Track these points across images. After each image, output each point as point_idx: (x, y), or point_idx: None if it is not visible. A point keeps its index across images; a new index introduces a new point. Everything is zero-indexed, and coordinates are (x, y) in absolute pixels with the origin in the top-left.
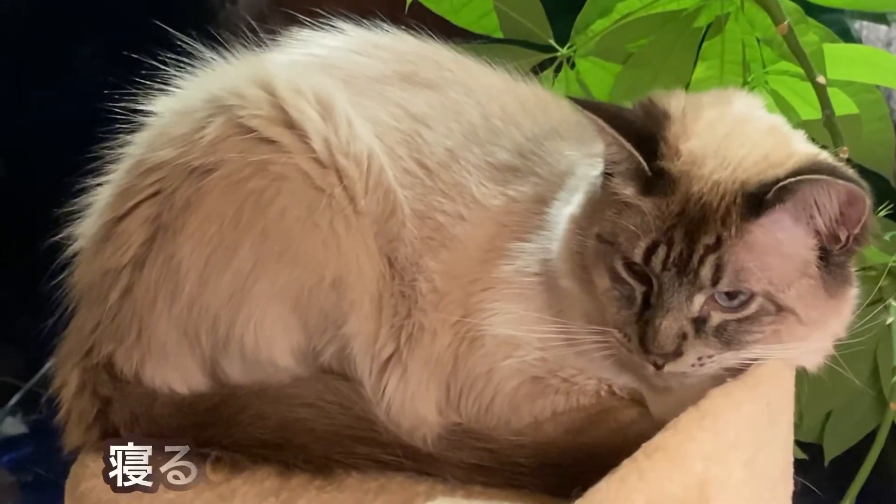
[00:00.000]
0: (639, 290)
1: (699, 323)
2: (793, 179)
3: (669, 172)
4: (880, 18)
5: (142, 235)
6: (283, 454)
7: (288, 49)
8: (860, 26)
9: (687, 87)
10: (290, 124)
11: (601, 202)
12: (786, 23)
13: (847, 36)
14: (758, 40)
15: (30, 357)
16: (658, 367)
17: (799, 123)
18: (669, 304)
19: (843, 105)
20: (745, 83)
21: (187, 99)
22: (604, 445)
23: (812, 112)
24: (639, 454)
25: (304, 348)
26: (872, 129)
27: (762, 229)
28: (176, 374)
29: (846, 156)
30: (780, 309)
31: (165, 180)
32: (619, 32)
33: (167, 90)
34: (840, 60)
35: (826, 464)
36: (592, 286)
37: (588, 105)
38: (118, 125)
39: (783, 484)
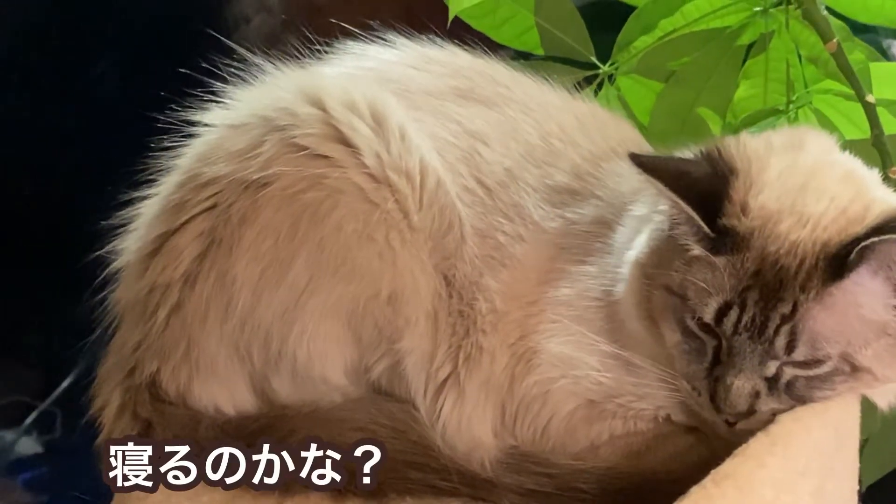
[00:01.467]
0: (710, 344)
1: (772, 381)
2: (875, 239)
3: (736, 231)
4: None
5: (195, 250)
6: None
7: (339, 61)
8: (887, 45)
9: (728, 106)
10: (343, 140)
11: (668, 250)
12: (835, 40)
13: (884, 56)
14: (799, 59)
15: (45, 376)
16: (731, 425)
17: (844, 143)
18: (742, 365)
19: (887, 124)
20: (788, 102)
21: (240, 113)
22: (663, 472)
23: (856, 132)
24: (707, 481)
25: (357, 365)
26: None
27: (842, 292)
28: (224, 392)
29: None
30: (855, 369)
31: (221, 195)
32: (661, 50)
33: (216, 102)
34: (885, 79)
35: (863, 490)
36: (660, 334)
37: (648, 165)
38: (157, 138)
39: None
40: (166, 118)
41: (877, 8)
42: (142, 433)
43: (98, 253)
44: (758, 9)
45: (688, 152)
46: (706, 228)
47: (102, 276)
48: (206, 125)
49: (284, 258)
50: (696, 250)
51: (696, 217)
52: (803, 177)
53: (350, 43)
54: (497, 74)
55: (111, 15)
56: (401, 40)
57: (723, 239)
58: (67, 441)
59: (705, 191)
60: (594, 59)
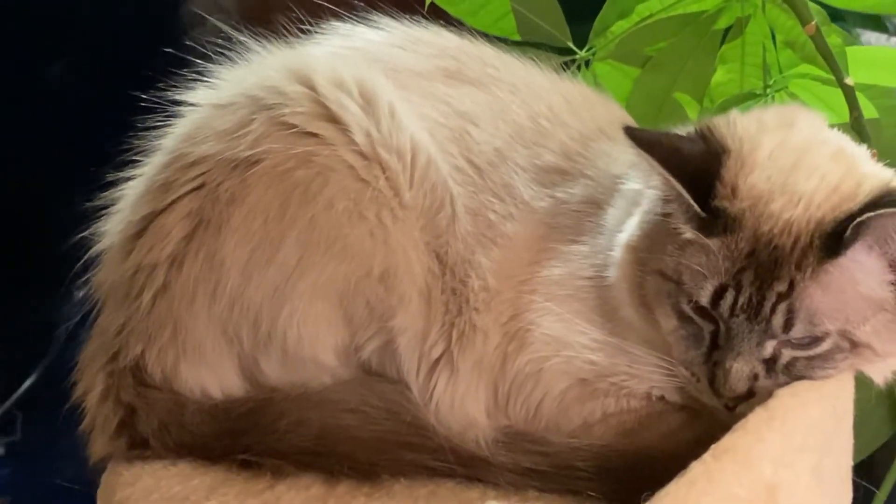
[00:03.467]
0: (706, 329)
1: (770, 363)
2: (871, 214)
3: (727, 212)
4: (879, 26)
5: (182, 231)
6: (326, 461)
7: (326, 41)
8: (856, 34)
9: (705, 90)
10: (332, 118)
11: (660, 234)
12: (814, 23)
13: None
14: (774, 43)
15: (5, 379)
16: (730, 409)
17: None
18: (740, 348)
19: (864, 108)
20: (766, 86)
21: (226, 93)
22: (658, 449)
23: (832, 116)
24: (707, 456)
25: (347, 345)
26: (890, 134)
27: (839, 269)
28: (211, 375)
29: (875, 158)
30: (854, 345)
31: (209, 174)
32: (637, 35)
33: (201, 82)
34: (861, 63)
35: None
36: (654, 319)
37: (643, 140)
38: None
39: (845, 491)
40: (129, 117)
41: None
42: (125, 419)
43: (57, 254)
44: None
45: (680, 129)
46: (698, 209)
47: (80, 263)
48: (190, 105)
49: (274, 237)
50: (689, 233)
51: (689, 197)
52: (794, 155)
53: (335, 23)
54: (484, 55)
55: (71, 17)
56: (386, 21)
57: (715, 220)
58: (28, 442)
59: (697, 169)
60: (571, 45)
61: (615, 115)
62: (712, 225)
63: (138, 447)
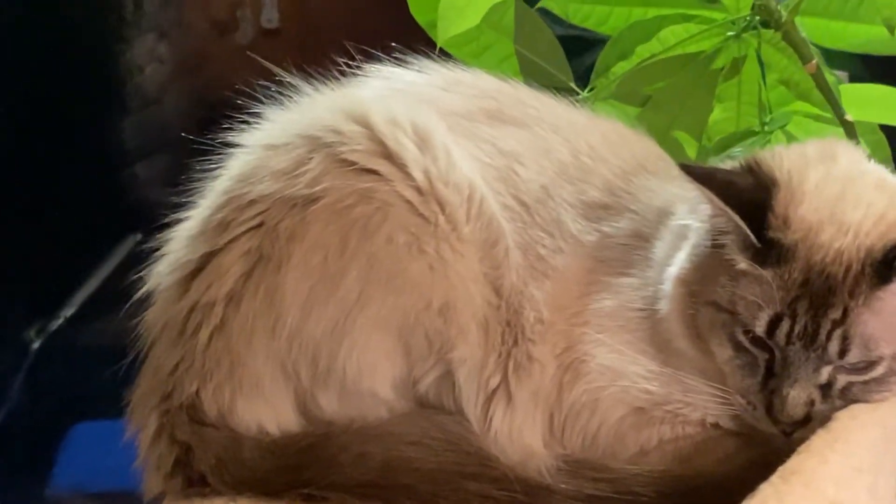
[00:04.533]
0: (762, 358)
1: (825, 388)
2: None
3: (781, 243)
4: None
5: (241, 268)
6: (389, 494)
7: (369, 83)
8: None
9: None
10: (390, 156)
11: (712, 266)
12: (814, 61)
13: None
14: (764, 82)
15: None
16: (787, 435)
17: None
18: (797, 375)
19: None
20: (763, 124)
21: (278, 134)
22: (713, 473)
23: None
24: (775, 478)
25: (405, 377)
26: None
27: (890, 295)
28: (268, 411)
29: None
30: None
31: (268, 213)
32: (637, 75)
33: (253, 125)
34: (853, 101)
35: None
36: (709, 349)
37: (698, 175)
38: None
39: None
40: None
41: (839, 32)
42: (180, 457)
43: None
44: (731, 33)
45: (725, 164)
46: (754, 240)
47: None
48: (240, 147)
49: (335, 273)
50: (743, 264)
51: (746, 228)
52: (839, 186)
53: (374, 66)
54: (523, 95)
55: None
56: (424, 62)
57: (768, 251)
58: None
59: (750, 201)
60: (573, 85)
61: (652, 150)
62: (766, 255)
63: (196, 484)
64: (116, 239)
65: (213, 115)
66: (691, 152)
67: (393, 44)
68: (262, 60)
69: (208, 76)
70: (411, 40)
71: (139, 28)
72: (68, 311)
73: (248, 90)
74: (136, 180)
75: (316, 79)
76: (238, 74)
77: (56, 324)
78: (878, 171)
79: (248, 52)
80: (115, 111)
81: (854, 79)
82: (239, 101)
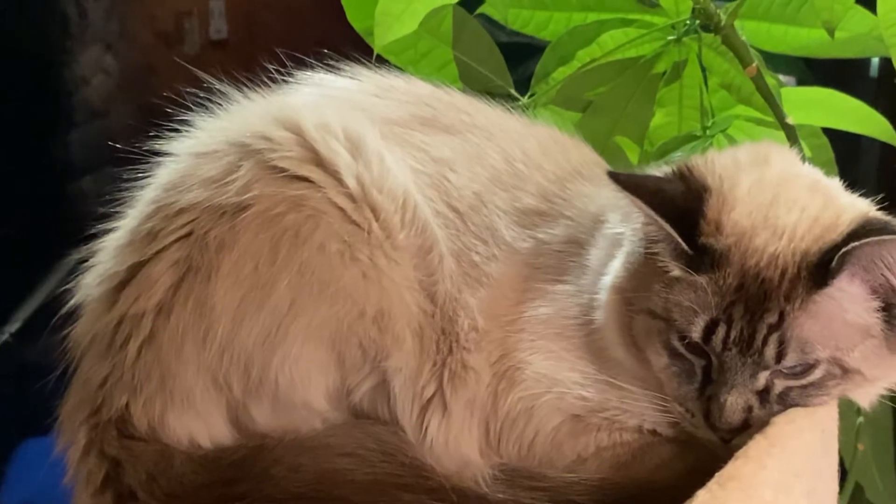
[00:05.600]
0: (698, 364)
1: (763, 394)
2: (855, 244)
3: (714, 249)
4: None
5: (169, 279)
6: None
7: (301, 90)
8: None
9: (645, 134)
10: (321, 163)
11: (646, 274)
12: (755, 64)
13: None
14: (706, 86)
15: None
16: (726, 442)
17: None
18: (734, 381)
19: None
20: (704, 128)
21: (207, 141)
22: (651, 480)
23: None
24: (713, 484)
25: (339, 387)
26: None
27: (826, 298)
28: (200, 423)
29: None
30: (845, 371)
31: (197, 222)
32: (578, 80)
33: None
34: (796, 104)
35: None
36: (645, 357)
37: (627, 183)
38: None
39: None
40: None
41: (780, 36)
42: (109, 472)
43: None
44: (671, 38)
45: (658, 170)
46: (686, 247)
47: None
48: (168, 155)
49: (266, 283)
50: (677, 271)
51: (676, 236)
52: (773, 190)
53: (305, 72)
54: (457, 102)
55: None
56: (357, 69)
57: (702, 257)
58: None
59: (681, 208)
60: (513, 91)
61: (588, 156)
62: (699, 262)
63: (126, 500)
64: (63, 253)
65: (160, 127)
66: (633, 157)
67: (325, 51)
68: (198, 72)
69: (155, 87)
70: (365, 51)
71: (84, 40)
72: (13, 327)
73: (177, 98)
74: (83, 194)
75: (252, 88)
76: (186, 86)
77: (1, 339)
78: (812, 173)
79: (184, 64)
80: (61, 124)
81: (801, 83)
82: (168, 109)
